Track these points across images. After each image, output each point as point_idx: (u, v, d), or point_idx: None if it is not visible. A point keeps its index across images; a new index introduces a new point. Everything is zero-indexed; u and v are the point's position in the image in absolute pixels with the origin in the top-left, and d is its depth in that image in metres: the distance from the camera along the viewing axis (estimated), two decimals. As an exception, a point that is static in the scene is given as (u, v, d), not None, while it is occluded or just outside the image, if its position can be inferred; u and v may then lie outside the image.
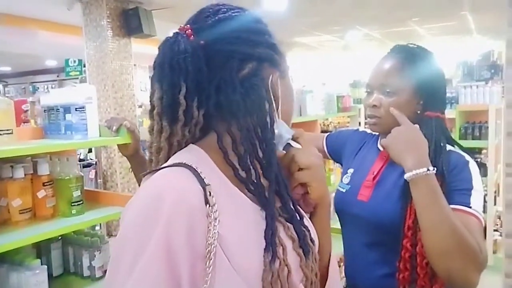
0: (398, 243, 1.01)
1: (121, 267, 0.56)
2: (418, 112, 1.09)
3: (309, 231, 0.68)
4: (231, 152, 0.65)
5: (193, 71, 0.64)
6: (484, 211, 1.07)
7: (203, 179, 0.60)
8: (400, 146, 0.97)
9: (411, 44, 1.15)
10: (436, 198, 0.92)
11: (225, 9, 0.68)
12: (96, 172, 4.46)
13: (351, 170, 1.22)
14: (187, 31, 0.66)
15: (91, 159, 4.69)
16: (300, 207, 0.71)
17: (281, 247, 0.62)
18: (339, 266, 2.99)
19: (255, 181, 0.64)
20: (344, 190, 1.19)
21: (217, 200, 0.60)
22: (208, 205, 0.58)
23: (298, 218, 0.67)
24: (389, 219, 1.04)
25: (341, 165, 1.35)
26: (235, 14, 0.68)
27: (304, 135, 0.73)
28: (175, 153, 0.67)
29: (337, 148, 1.38)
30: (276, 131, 0.67)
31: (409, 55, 1.10)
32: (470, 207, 0.96)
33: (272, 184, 0.64)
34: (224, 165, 0.65)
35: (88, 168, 4.45)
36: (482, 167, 3.68)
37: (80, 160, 4.49)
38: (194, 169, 0.61)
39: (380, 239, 1.07)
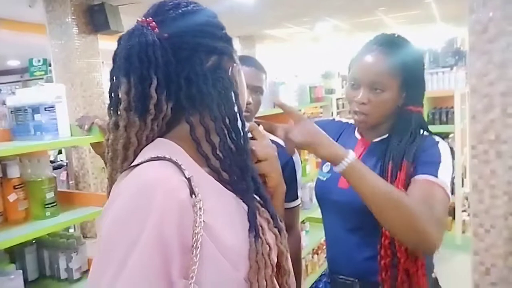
0: (378, 227, 1.04)
1: (113, 259, 0.56)
2: (399, 105, 1.11)
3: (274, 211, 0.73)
4: (204, 142, 0.66)
5: (162, 64, 0.64)
6: (452, 193, 1.10)
7: (184, 172, 0.61)
8: (316, 140, 0.92)
9: (393, 34, 1.14)
10: (371, 180, 0.93)
11: (185, 3, 0.70)
12: (67, 174, 4.35)
13: None
14: (151, 24, 0.66)
15: (61, 160, 4.56)
16: None
17: (260, 227, 0.66)
18: (318, 254, 3.02)
19: (229, 169, 0.67)
20: (324, 179, 1.21)
21: (199, 190, 0.61)
22: (194, 196, 0.59)
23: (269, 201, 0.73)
24: None
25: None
26: (196, 8, 0.70)
27: (257, 128, 0.78)
28: (143, 148, 0.66)
29: None
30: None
31: (396, 49, 1.09)
32: (437, 177, 0.99)
33: (248, 171, 0.68)
34: (196, 155, 0.66)
35: (59, 169, 4.33)
36: (450, 150, 3.81)
37: (51, 162, 4.36)
38: (176, 162, 0.61)
39: (360, 223, 1.10)
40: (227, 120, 0.68)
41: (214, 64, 0.68)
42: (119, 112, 0.66)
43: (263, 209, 0.70)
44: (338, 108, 7.19)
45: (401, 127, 1.10)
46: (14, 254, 1.47)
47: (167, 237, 0.56)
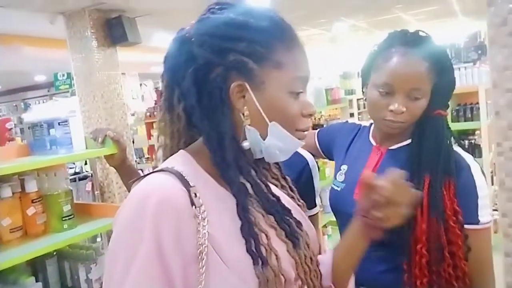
0: (398, 241, 1.00)
1: (115, 272, 0.57)
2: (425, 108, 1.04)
3: (299, 222, 0.71)
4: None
5: (175, 66, 0.68)
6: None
7: (187, 182, 0.61)
8: None
9: (416, 31, 1.05)
10: None
11: (219, 7, 0.68)
12: (92, 184, 4.44)
13: (344, 167, 1.19)
14: (190, 27, 0.68)
15: (86, 171, 4.67)
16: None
17: (263, 234, 0.63)
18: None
19: (228, 182, 0.66)
20: (339, 189, 1.16)
21: (204, 200, 0.61)
22: (194, 206, 0.59)
23: (282, 210, 0.70)
24: None
25: (331, 159, 1.33)
26: (220, 13, 0.66)
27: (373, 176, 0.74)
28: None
29: (328, 144, 1.34)
30: (245, 143, 0.67)
31: (427, 50, 1.01)
32: (478, 222, 0.98)
33: (234, 185, 0.65)
34: (208, 165, 0.67)
35: (85, 180, 4.43)
36: (477, 148, 3.68)
37: (76, 173, 4.47)
38: (179, 172, 0.62)
39: (378, 240, 1.06)
40: (213, 136, 0.65)
41: (215, 77, 0.65)
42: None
43: (270, 216, 0.67)
44: (359, 108, 7.07)
45: (429, 134, 1.03)
46: (36, 266, 1.51)
47: (165, 246, 0.56)
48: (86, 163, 4.80)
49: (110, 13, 4.54)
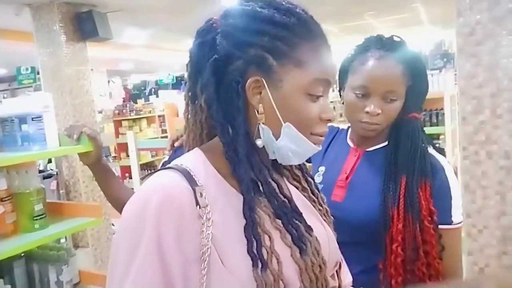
0: (375, 241, 1.02)
1: (117, 270, 0.57)
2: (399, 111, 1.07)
3: (309, 227, 0.68)
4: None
5: (199, 55, 0.67)
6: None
7: (195, 180, 0.60)
8: None
9: (391, 36, 1.09)
10: None
11: (245, 3, 0.65)
12: (57, 183, 4.29)
13: (322, 169, 1.20)
14: (217, 17, 0.67)
15: (51, 169, 4.50)
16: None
17: (266, 236, 0.61)
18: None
19: (239, 179, 0.64)
20: None
21: (212, 201, 0.60)
22: (198, 206, 0.58)
23: (292, 213, 0.67)
24: (366, 219, 1.04)
25: (309, 162, 1.34)
26: (246, 6, 0.64)
27: None
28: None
29: None
30: (259, 141, 0.66)
31: (403, 53, 1.05)
32: (452, 222, 1.02)
33: (243, 181, 0.63)
34: (220, 165, 0.65)
35: (49, 179, 4.27)
36: (441, 152, 3.83)
37: (40, 171, 4.30)
38: (187, 171, 0.61)
39: (355, 238, 1.06)
40: (227, 129, 0.64)
41: (234, 69, 0.63)
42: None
43: (277, 218, 0.65)
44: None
45: (405, 136, 1.06)
46: (2, 268, 1.44)
47: (165, 244, 0.56)
48: (50, 161, 4.63)
49: (80, 7, 4.41)
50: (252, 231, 0.60)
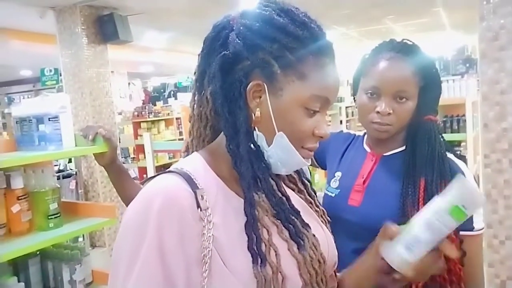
0: None
1: (119, 272, 0.57)
2: (414, 115, 1.06)
3: (306, 224, 0.68)
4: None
5: (211, 47, 0.67)
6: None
7: (195, 183, 0.61)
8: None
9: (403, 40, 1.09)
10: None
11: (266, 4, 0.66)
12: (76, 183, 4.37)
13: (338, 174, 1.19)
14: (234, 16, 0.67)
15: (71, 169, 4.59)
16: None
17: (265, 230, 0.62)
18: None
19: (242, 182, 0.64)
20: (333, 195, 1.15)
21: (212, 203, 0.61)
22: (200, 209, 0.59)
23: (289, 209, 0.68)
24: (383, 223, 1.02)
25: (324, 169, 1.33)
26: (264, 10, 0.65)
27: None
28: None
29: (321, 152, 1.34)
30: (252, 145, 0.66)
31: (414, 55, 1.05)
32: (473, 229, 1.00)
33: (244, 177, 0.63)
34: (220, 168, 0.66)
35: (69, 178, 4.36)
36: (462, 159, 3.74)
37: (60, 170, 4.39)
38: (188, 174, 0.62)
39: (371, 244, 1.06)
40: (230, 123, 0.64)
41: (240, 70, 0.64)
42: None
43: (274, 213, 0.65)
44: (347, 116, 7.13)
45: (422, 138, 1.04)
46: (18, 266, 1.46)
47: (167, 249, 0.56)
48: (70, 161, 4.73)
49: (102, 10, 4.50)
50: (253, 228, 0.60)
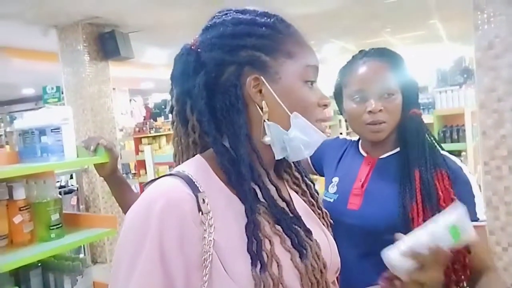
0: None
1: (120, 273, 0.57)
2: (401, 111, 1.08)
3: (308, 230, 0.67)
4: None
5: (184, 78, 0.68)
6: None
7: (197, 187, 0.60)
8: None
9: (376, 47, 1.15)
10: None
11: (220, 13, 0.69)
12: (78, 198, 4.37)
13: (336, 179, 1.20)
14: (195, 40, 0.69)
15: (72, 185, 4.59)
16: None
17: (267, 240, 0.61)
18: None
19: (236, 188, 0.63)
20: (331, 200, 1.15)
21: (214, 207, 0.60)
22: (201, 212, 0.58)
23: (291, 218, 0.67)
24: (384, 224, 1.01)
25: (322, 175, 1.34)
26: (225, 17, 0.67)
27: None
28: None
29: (319, 159, 1.34)
30: (267, 138, 0.66)
31: (393, 58, 1.10)
32: (478, 220, 0.99)
33: (241, 188, 0.63)
34: (221, 171, 0.65)
35: (70, 194, 4.36)
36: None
37: (61, 186, 4.40)
38: (189, 177, 0.62)
39: (374, 248, 1.03)
40: (220, 139, 0.65)
41: (229, 76, 0.64)
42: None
43: (276, 224, 0.64)
44: (347, 128, 7.15)
45: (410, 131, 1.06)
46: (19, 277, 1.46)
47: (167, 253, 0.56)
48: (71, 177, 4.74)
49: (103, 28, 4.58)
50: (253, 231, 0.60)
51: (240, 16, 0.67)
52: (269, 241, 0.61)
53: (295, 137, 0.66)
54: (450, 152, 1.10)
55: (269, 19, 0.67)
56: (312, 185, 0.82)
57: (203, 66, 0.65)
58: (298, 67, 0.66)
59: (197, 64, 0.66)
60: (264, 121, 0.65)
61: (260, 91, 0.65)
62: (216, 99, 0.65)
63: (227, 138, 0.65)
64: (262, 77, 0.65)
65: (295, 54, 0.66)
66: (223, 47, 0.65)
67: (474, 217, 0.98)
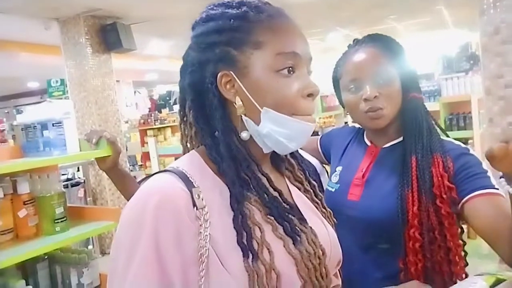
0: (396, 243, 0.98)
1: (117, 271, 0.57)
2: (401, 96, 1.06)
3: (302, 219, 0.67)
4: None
5: (181, 76, 0.71)
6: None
7: (191, 182, 0.61)
8: None
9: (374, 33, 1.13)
10: None
11: (205, 10, 0.69)
12: (85, 191, 4.41)
13: (339, 168, 1.19)
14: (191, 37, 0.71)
15: (79, 177, 4.63)
16: None
17: (257, 228, 0.61)
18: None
19: (228, 182, 0.64)
20: (333, 190, 1.15)
21: (209, 201, 0.60)
22: (196, 208, 0.58)
23: (283, 206, 0.67)
24: (385, 216, 1.00)
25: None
26: (202, 15, 0.69)
27: None
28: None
29: (328, 148, 1.34)
30: (244, 134, 0.66)
31: (386, 43, 1.07)
32: (494, 186, 0.92)
33: (229, 177, 0.63)
34: (212, 164, 0.66)
35: (77, 187, 4.40)
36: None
37: (68, 179, 4.43)
38: (183, 173, 0.62)
39: (375, 240, 1.03)
40: (207, 132, 0.67)
41: (207, 75, 0.65)
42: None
43: (268, 211, 0.64)
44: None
45: (409, 115, 1.04)
46: (26, 270, 1.48)
47: (163, 246, 0.56)
48: (78, 170, 4.77)
49: (105, 20, 4.56)
50: (241, 223, 0.60)
51: (211, 12, 0.67)
52: (259, 228, 0.61)
53: (269, 132, 0.64)
54: (457, 139, 1.07)
55: (239, 9, 0.65)
56: (316, 185, 0.80)
57: (190, 64, 0.68)
58: (267, 57, 0.63)
59: (187, 62, 0.69)
60: (241, 116, 0.65)
61: (234, 86, 0.65)
62: (198, 95, 0.67)
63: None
64: (232, 73, 0.64)
65: (263, 44, 0.63)
66: (200, 46, 0.67)
67: (490, 184, 0.93)
